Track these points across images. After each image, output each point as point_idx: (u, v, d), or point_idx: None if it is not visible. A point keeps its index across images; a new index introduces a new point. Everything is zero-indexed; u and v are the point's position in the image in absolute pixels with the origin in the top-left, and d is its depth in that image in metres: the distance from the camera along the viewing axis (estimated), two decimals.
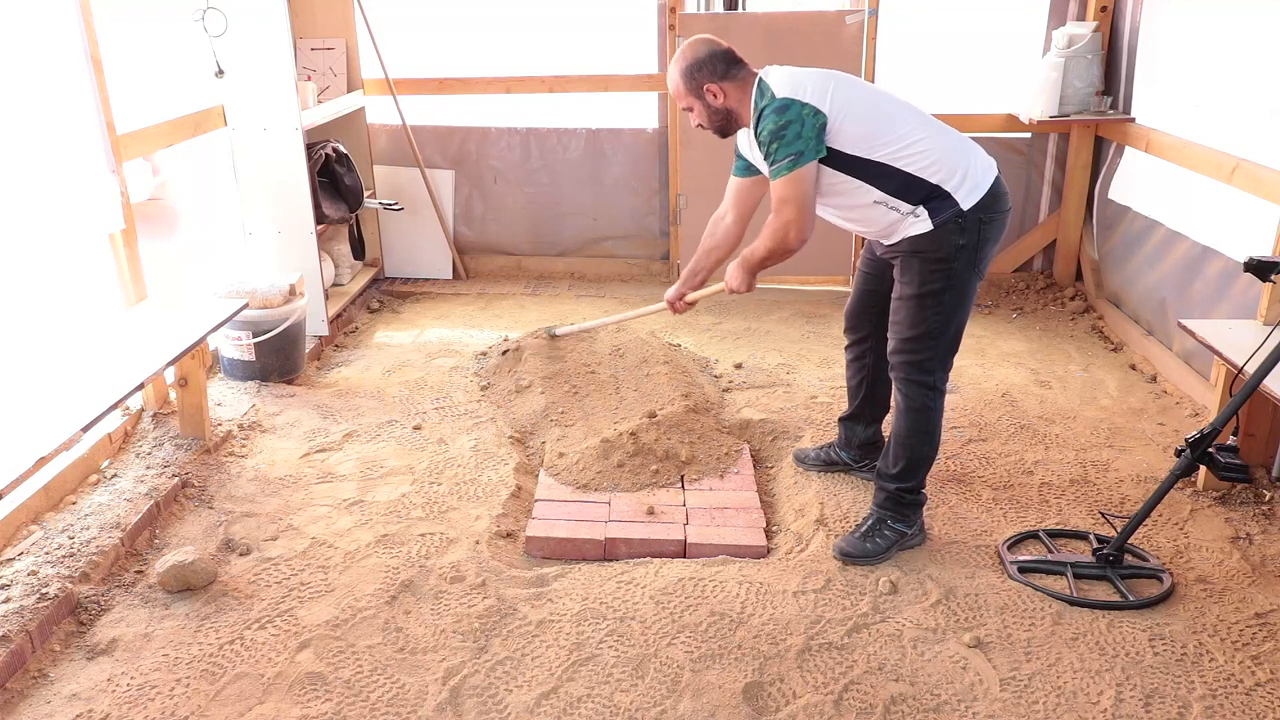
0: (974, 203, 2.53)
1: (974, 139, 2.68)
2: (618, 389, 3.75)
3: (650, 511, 2.98)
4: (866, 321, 2.98)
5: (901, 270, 2.65)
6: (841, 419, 3.21)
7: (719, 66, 2.62)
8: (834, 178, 2.56)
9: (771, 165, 2.52)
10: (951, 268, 2.57)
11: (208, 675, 2.33)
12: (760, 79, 2.59)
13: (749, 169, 2.84)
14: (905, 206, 2.55)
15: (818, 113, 2.47)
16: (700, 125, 2.73)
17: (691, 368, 4.07)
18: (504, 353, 4.12)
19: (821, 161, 2.51)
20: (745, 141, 2.77)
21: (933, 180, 2.52)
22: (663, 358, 3.96)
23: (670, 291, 3.17)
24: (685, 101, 2.70)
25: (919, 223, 2.55)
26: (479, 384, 3.95)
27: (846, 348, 3.11)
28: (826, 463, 3.23)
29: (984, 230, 2.57)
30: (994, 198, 2.57)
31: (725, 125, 2.71)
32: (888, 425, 3.02)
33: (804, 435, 3.49)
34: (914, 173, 2.52)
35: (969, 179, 2.54)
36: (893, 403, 2.81)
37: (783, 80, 2.53)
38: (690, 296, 3.14)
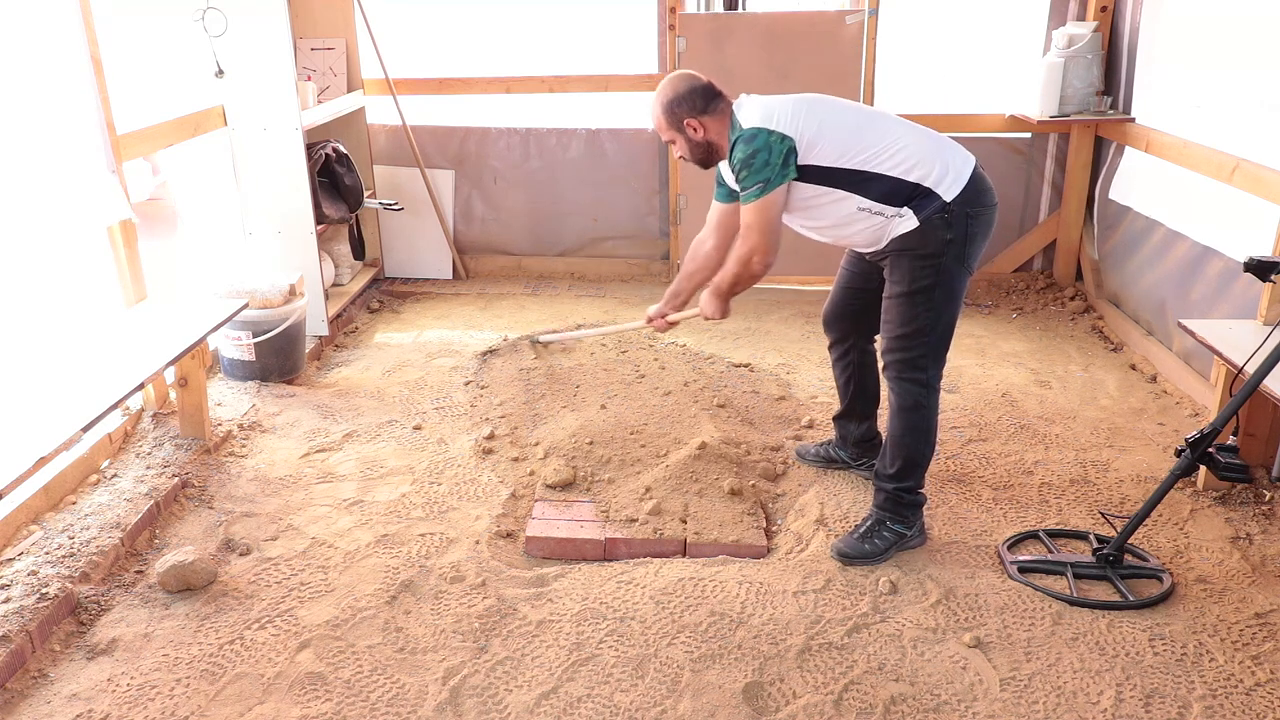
0: (956, 193, 2.56)
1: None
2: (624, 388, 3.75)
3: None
4: (844, 321, 3.02)
5: (891, 269, 2.68)
6: (835, 418, 3.22)
7: (698, 102, 2.68)
8: (815, 191, 2.61)
9: (743, 191, 2.60)
10: (940, 263, 2.60)
11: (208, 675, 2.33)
12: (733, 112, 2.65)
13: (731, 195, 2.86)
14: (889, 209, 2.59)
15: (784, 138, 2.53)
16: (683, 157, 2.79)
17: (685, 369, 4.06)
18: (486, 353, 4.19)
19: (802, 179, 2.57)
20: (727, 169, 2.81)
21: (912, 179, 2.56)
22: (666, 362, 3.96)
23: (653, 309, 3.22)
24: (667, 135, 2.77)
25: (904, 221, 2.59)
26: (478, 384, 3.95)
27: (830, 347, 3.14)
28: (826, 460, 3.24)
29: (970, 225, 2.59)
30: (977, 190, 2.60)
31: (706, 158, 2.78)
32: (885, 424, 3.02)
33: (804, 436, 3.48)
34: (894, 174, 2.56)
35: (950, 172, 2.57)
36: (888, 404, 2.81)
37: (753, 111, 2.60)
38: (672, 317, 3.20)
